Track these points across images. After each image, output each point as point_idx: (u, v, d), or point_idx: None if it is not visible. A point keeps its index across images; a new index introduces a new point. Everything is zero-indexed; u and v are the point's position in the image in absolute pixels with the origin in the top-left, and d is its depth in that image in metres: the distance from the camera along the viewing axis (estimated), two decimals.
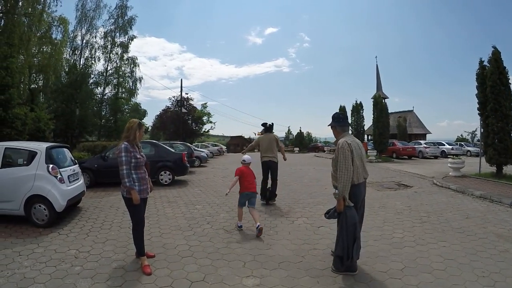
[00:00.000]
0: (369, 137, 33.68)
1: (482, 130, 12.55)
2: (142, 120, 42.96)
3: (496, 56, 11.66)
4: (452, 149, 28.02)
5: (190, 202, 7.74)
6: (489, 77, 11.53)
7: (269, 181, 7.85)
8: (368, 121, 29.99)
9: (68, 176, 6.32)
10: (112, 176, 9.73)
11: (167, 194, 8.94)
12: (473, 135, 50.12)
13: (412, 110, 46.14)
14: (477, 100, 12.35)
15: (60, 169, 6.10)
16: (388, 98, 42.96)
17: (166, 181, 10.59)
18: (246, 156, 5.72)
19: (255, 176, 5.70)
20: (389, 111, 25.32)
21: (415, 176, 13.56)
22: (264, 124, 8.21)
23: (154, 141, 12.44)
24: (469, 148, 29.36)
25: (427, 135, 45.97)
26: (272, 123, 8.13)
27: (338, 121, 3.97)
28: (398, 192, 9.41)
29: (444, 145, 28.56)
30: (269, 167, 7.92)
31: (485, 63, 12.15)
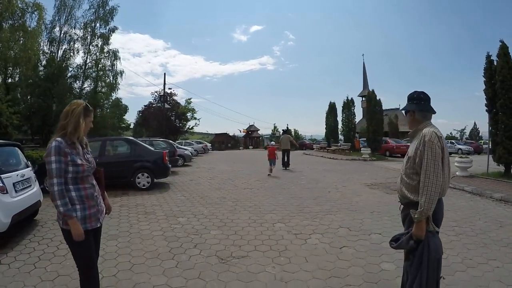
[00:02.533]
0: (357, 134, 32.82)
1: (490, 127, 11.77)
2: (124, 117, 41.72)
3: (505, 50, 11.04)
4: None
5: (171, 213, 6.25)
6: (500, 71, 10.88)
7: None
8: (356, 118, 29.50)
9: (14, 183, 4.80)
10: None
11: (144, 201, 7.42)
12: (462, 133, 50.69)
13: (398, 108, 45.62)
14: (485, 96, 11.70)
15: (2, 175, 4.58)
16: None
17: (144, 185, 9.04)
18: (272, 143, 15.23)
19: (286, 152, 14.67)
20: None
21: None
22: (283, 130, 18.48)
23: (131, 137, 10.80)
24: (460, 146, 29.01)
25: None
26: (288, 128, 16.06)
27: (419, 103, 2.63)
28: None
29: None
30: (286, 152, 15.28)
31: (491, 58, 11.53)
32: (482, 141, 35.75)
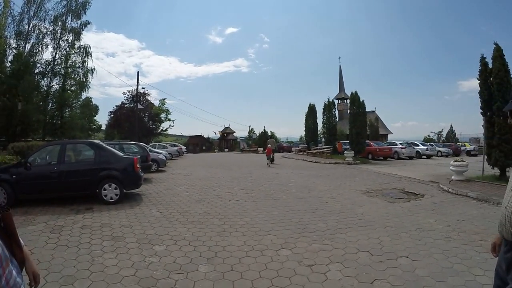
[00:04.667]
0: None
1: (485, 130, 11.36)
2: (95, 118, 39.32)
3: (500, 53, 10.81)
4: (427, 149, 27.39)
5: (145, 239, 4.92)
6: (496, 74, 10.58)
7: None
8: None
9: None
10: (39, 190, 7.43)
11: (111, 220, 6.01)
12: (439, 135, 51.71)
13: (374, 111, 45.89)
14: (480, 99, 11.32)
15: None
16: (349, 98, 42.41)
17: (111, 198, 7.60)
18: (269, 145, 20.81)
19: (272, 151, 20.46)
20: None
21: (411, 180, 12.10)
22: (269, 136, 37.08)
23: (96, 141, 9.23)
24: (439, 149, 29.14)
25: (388, 136, 46.59)
26: (272, 134, 25.00)
27: None
28: (414, 203, 7.88)
29: (418, 145, 27.80)
30: (272, 152, 20.52)
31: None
32: (460, 143, 36.34)
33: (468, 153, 30.01)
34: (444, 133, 51.50)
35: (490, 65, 10.99)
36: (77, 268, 3.71)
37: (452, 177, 11.40)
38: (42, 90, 27.40)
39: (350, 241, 4.84)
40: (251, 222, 5.90)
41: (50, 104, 28.59)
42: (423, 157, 26.51)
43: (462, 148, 31.68)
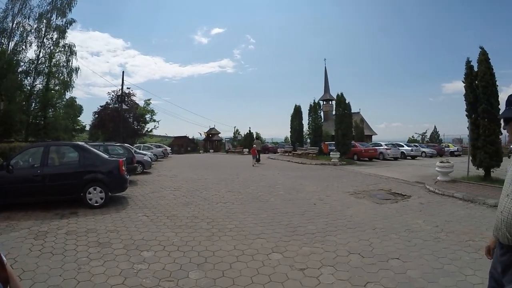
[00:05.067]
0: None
1: (470, 132, 11.60)
2: (79, 118, 38.43)
3: (485, 57, 11.05)
4: (412, 150, 27.79)
5: (133, 244, 4.79)
6: (482, 77, 10.82)
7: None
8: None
9: None
10: (22, 194, 7.12)
11: (97, 225, 5.84)
12: (423, 136, 52.75)
13: (359, 112, 46.43)
14: (465, 101, 11.58)
15: None
16: (335, 99, 42.82)
17: (96, 202, 7.41)
18: (254, 146, 22.89)
19: (256, 151, 22.17)
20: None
21: (397, 181, 12.27)
22: (255, 138, 37.01)
23: (80, 143, 8.98)
24: (424, 149, 29.64)
25: (373, 136, 47.33)
26: (258, 135, 26.99)
27: None
28: (402, 204, 8.00)
29: (403, 146, 28.23)
30: (258, 152, 22.45)
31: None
32: (444, 144, 37.11)
33: (452, 154, 30.64)
34: (428, 134, 52.64)
35: (476, 69, 11.21)
36: (63, 277, 3.57)
37: (438, 177, 11.61)
38: (25, 89, 26.72)
39: (341, 243, 4.84)
40: (240, 226, 5.84)
41: (34, 104, 27.90)
42: (408, 158, 26.93)
43: (446, 149, 32.34)
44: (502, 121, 1.98)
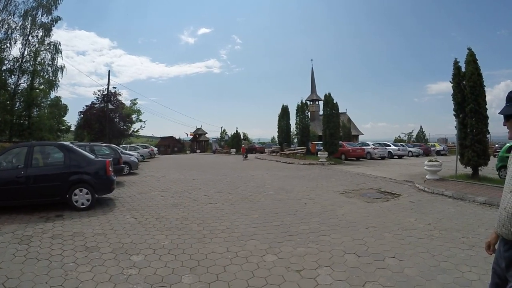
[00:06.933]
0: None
1: (458, 131, 11.75)
2: (64, 118, 37.53)
3: (473, 57, 11.24)
4: (399, 150, 28.10)
5: (121, 248, 4.60)
6: (470, 77, 11.00)
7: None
8: None
9: None
10: (4, 197, 6.78)
11: (84, 229, 5.61)
12: (409, 136, 53.43)
13: (345, 112, 46.79)
14: (453, 101, 11.76)
15: None
16: (322, 99, 43.02)
17: (83, 204, 7.15)
18: (243, 145, 34.32)
19: (245, 150, 31.16)
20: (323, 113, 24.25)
21: (386, 180, 12.38)
22: (243, 138, 44.40)
23: (65, 143, 8.64)
24: (410, 149, 30.05)
25: (359, 136, 47.79)
26: (245, 135, 44.05)
27: None
28: (393, 203, 8.03)
29: (390, 146, 28.52)
30: (246, 151, 31.45)
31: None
32: (430, 143, 37.69)
33: (438, 153, 31.11)
34: (414, 134, 53.33)
35: (463, 69, 11.35)
36: (50, 285, 3.38)
37: (427, 176, 11.77)
38: (9, 88, 26.20)
39: (335, 243, 4.79)
40: (231, 227, 5.73)
41: (18, 103, 27.34)
42: (394, 157, 27.24)
43: (432, 148, 32.86)
44: (504, 118, 1.93)
